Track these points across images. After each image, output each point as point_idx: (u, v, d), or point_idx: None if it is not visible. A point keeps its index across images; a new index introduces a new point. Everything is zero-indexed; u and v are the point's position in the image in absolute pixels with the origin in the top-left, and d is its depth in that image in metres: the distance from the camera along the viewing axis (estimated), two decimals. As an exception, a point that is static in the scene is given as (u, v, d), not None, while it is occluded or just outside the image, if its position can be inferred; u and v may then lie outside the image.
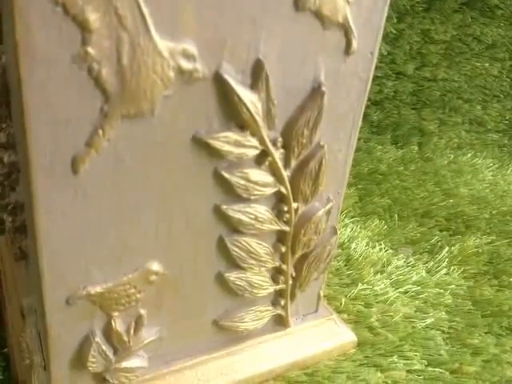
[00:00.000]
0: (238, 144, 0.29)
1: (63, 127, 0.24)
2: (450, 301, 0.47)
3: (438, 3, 0.79)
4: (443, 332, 0.43)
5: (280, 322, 0.38)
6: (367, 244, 0.54)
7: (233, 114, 0.28)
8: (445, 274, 0.51)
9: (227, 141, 0.28)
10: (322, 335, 0.40)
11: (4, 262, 0.44)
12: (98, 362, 0.31)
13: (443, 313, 0.45)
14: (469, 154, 0.81)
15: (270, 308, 0.37)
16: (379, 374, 0.38)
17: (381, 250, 0.54)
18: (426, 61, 0.83)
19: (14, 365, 0.35)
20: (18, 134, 0.27)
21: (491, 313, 0.45)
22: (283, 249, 0.35)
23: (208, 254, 0.32)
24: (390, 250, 0.54)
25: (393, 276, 0.50)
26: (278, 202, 0.33)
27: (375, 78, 0.80)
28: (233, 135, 0.28)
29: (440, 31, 0.82)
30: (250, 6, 0.26)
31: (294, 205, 0.33)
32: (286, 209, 0.33)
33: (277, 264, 0.35)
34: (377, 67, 0.83)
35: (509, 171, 0.77)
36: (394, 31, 0.79)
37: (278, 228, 0.34)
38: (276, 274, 0.36)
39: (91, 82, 0.24)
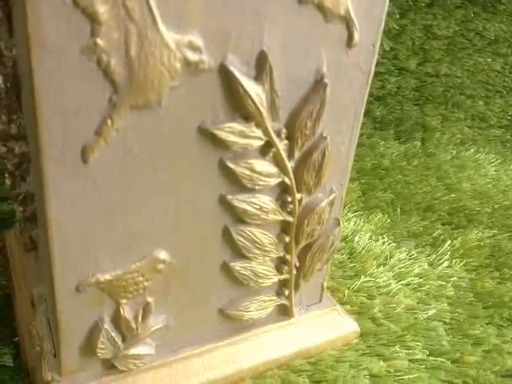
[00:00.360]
0: (242, 135, 0.29)
1: (73, 117, 0.25)
2: (451, 293, 0.47)
3: (440, -1, 0.80)
4: (445, 323, 0.43)
5: (284, 312, 0.39)
6: (370, 237, 0.55)
7: (238, 105, 0.28)
8: (447, 267, 0.51)
9: (232, 131, 0.29)
10: (325, 325, 0.40)
11: (13, 254, 0.44)
12: (106, 348, 0.32)
13: (445, 304, 0.45)
14: (471, 150, 0.81)
15: (275, 298, 0.38)
16: (382, 363, 0.38)
17: (384, 243, 0.54)
18: (429, 56, 0.83)
19: (24, 352, 0.36)
20: (29, 125, 0.28)
21: (492, 304, 0.46)
22: (287, 239, 0.35)
23: (214, 244, 0.33)
24: (393, 244, 0.54)
25: (395, 269, 0.50)
26: (282, 192, 0.34)
27: (378, 73, 0.81)
28: (238, 126, 0.29)
29: (442, 27, 0.82)
30: (255, -2, 0.27)
31: (298, 195, 0.34)
32: (289, 199, 0.34)
33: (281, 254, 0.36)
34: (379, 63, 0.84)
35: (511, 166, 0.78)
36: (397, 27, 0.80)
37: (281, 218, 0.34)
38: (280, 263, 0.36)
39: (100, 72, 0.25)
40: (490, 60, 0.86)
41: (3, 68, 0.30)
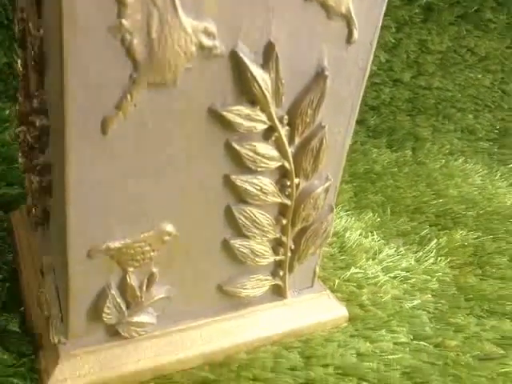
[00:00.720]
0: (248, 118, 0.32)
1: (96, 91, 0.27)
2: (436, 286, 0.50)
3: (435, 15, 0.84)
4: (429, 312, 0.46)
5: (278, 293, 0.41)
6: (360, 234, 0.57)
7: (245, 90, 0.31)
8: (432, 263, 0.54)
9: (239, 114, 0.31)
10: (316, 308, 0.43)
11: (19, 233, 0.46)
12: (112, 314, 0.34)
13: (429, 296, 0.48)
14: (460, 160, 0.84)
15: (270, 278, 0.40)
16: (368, 344, 0.41)
17: (373, 239, 0.57)
18: (422, 70, 0.87)
19: (31, 320, 0.38)
20: (53, 99, 0.31)
21: (474, 297, 0.49)
22: (284, 221, 0.38)
23: (216, 221, 0.35)
24: (382, 240, 0.57)
25: (384, 263, 0.53)
26: (282, 176, 0.36)
27: (373, 84, 0.84)
28: (244, 109, 0.32)
29: (436, 42, 0.86)
30: (265, -7, 0.29)
31: (296, 180, 0.36)
32: (288, 183, 0.36)
33: (277, 235, 0.38)
34: (375, 74, 0.87)
35: (497, 177, 0.81)
36: (393, 40, 0.83)
37: (280, 201, 0.37)
38: (276, 245, 0.39)
39: (123, 50, 0.27)
40: (480, 76, 0.90)
41: (31, 47, 0.32)
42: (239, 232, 0.36)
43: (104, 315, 0.33)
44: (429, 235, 0.59)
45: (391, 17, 0.81)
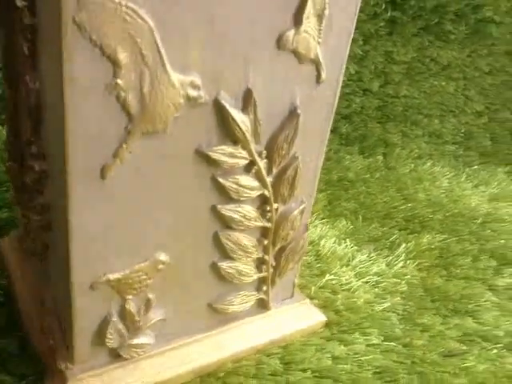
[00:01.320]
0: (231, 155, 0.36)
1: (95, 141, 0.31)
2: (405, 288, 0.55)
3: (399, 28, 0.89)
4: (398, 314, 0.51)
5: (262, 305, 0.45)
6: (335, 241, 0.62)
7: (228, 132, 0.35)
8: (401, 267, 0.59)
9: (223, 153, 0.35)
10: (297, 316, 0.47)
11: (10, 259, 0.49)
12: (114, 338, 0.37)
13: (398, 298, 0.53)
14: (428, 164, 0.89)
15: (255, 293, 0.44)
16: (342, 347, 0.45)
17: (346, 246, 0.61)
18: (390, 79, 0.92)
19: (32, 345, 0.41)
20: (53, 146, 0.34)
21: (439, 298, 0.54)
22: (265, 242, 0.42)
23: (205, 247, 0.39)
24: (355, 247, 0.61)
25: (356, 268, 0.57)
26: (262, 203, 0.40)
27: (344, 94, 0.88)
28: (227, 148, 0.35)
29: (401, 53, 0.91)
30: (243, 46, 0.33)
31: (275, 205, 0.40)
32: (268, 208, 0.40)
33: (260, 255, 0.42)
34: (346, 85, 0.92)
35: (463, 179, 0.86)
36: (361, 52, 0.88)
37: (261, 224, 0.40)
38: (259, 263, 0.43)
39: (118, 106, 0.30)
40: (444, 83, 0.95)
41: (25, 95, 0.35)
42: (226, 255, 0.40)
43: (107, 340, 0.37)
44: (398, 240, 0.64)
45: (359, 30, 0.85)
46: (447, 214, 0.73)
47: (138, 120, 0.31)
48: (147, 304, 0.37)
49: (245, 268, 0.41)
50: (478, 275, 0.58)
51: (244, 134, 0.35)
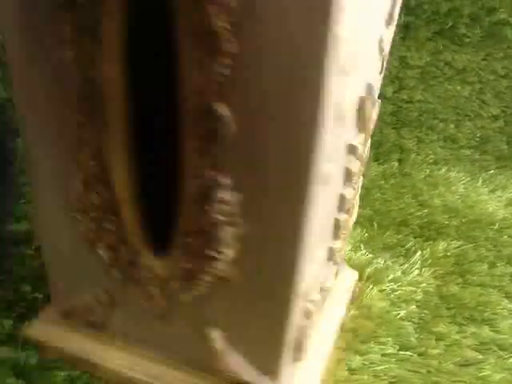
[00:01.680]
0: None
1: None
2: (420, 296, 0.54)
3: (412, 32, 0.88)
4: (413, 322, 0.50)
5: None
6: (350, 249, 0.62)
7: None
8: (417, 275, 0.58)
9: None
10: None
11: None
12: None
13: (414, 306, 0.52)
14: (443, 169, 0.89)
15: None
16: (358, 357, 0.45)
17: (362, 254, 0.61)
18: (404, 84, 0.92)
19: None
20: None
21: (455, 306, 0.53)
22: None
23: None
24: (370, 255, 0.61)
25: (372, 276, 0.57)
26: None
27: (358, 100, 0.88)
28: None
29: (415, 57, 0.90)
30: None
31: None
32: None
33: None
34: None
35: (479, 184, 0.85)
36: (374, 58, 0.88)
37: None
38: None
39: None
40: (458, 87, 0.94)
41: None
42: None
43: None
44: (413, 247, 0.64)
45: (372, 37, 0.85)
46: (463, 220, 0.72)
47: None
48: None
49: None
50: (495, 282, 0.58)
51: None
